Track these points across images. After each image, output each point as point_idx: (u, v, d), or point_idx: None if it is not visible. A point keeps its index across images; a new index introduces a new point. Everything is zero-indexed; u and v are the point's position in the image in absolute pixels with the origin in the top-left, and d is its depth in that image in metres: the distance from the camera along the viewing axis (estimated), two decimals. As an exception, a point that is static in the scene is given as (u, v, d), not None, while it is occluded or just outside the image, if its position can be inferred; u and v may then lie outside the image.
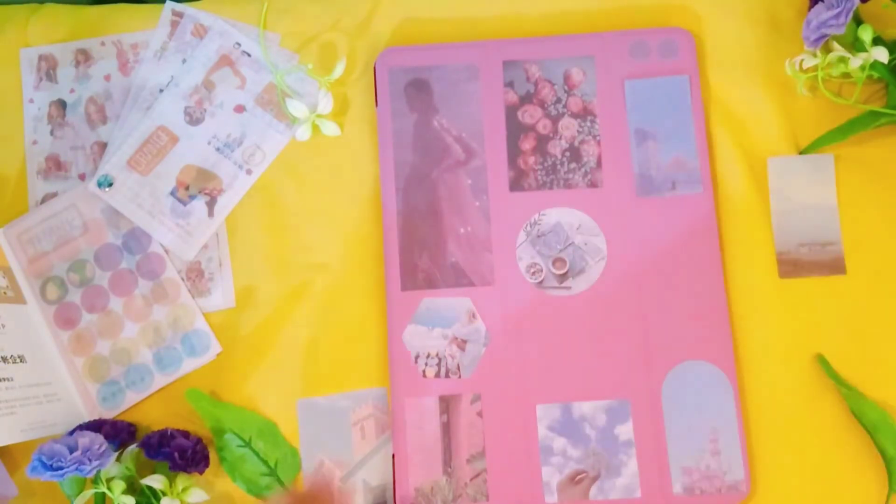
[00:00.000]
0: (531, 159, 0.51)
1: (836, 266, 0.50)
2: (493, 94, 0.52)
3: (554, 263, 0.50)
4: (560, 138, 0.52)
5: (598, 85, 0.52)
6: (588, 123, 0.52)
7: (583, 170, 0.51)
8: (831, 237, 0.50)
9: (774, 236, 0.51)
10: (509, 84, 0.52)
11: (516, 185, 0.51)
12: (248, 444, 0.51)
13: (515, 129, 0.52)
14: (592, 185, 0.51)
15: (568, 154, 0.51)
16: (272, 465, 0.50)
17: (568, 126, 0.51)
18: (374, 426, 0.50)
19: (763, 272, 0.51)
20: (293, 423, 0.51)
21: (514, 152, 0.51)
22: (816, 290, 0.51)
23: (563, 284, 0.50)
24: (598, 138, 0.51)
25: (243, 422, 0.51)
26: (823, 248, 0.50)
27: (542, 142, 0.52)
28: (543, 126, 0.52)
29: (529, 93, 0.52)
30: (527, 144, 0.51)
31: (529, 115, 0.52)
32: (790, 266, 0.50)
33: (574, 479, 0.47)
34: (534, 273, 0.50)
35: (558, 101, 0.52)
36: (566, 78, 0.52)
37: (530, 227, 0.50)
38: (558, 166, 0.51)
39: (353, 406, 0.50)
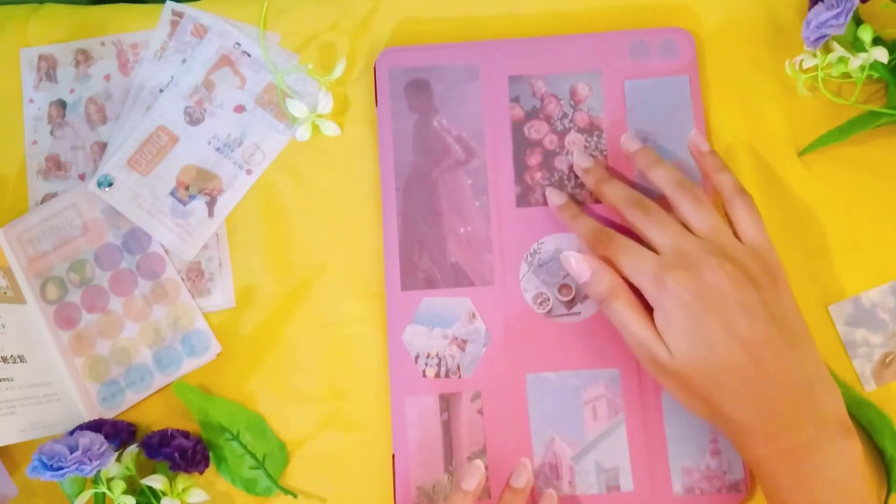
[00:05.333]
0: (538, 175, 0.51)
1: None
2: (497, 105, 0.52)
3: (560, 290, 0.50)
4: (567, 153, 0.51)
5: (600, 89, 0.52)
6: (595, 138, 0.52)
7: None
8: None
9: None
10: (515, 99, 0.52)
11: (523, 200, 0.51)
12: (235, 438, 0.51)
13: (522, 145, 0.52)
14: (598, 200, 0.51)
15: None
16: (260, 458, 0.50)
17: (575, 141, 0.51)
18: (605, 406, 0.49)
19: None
20: (289, 420, 0.51)
21: (520, 168, 0.51)
22: (815, 291, 0.51)
23: (572, 311, 0.50)
24: (604, 153, 0.51)
25: (231, 415, 0.51)
26: None
27: (548, 157, 0.52)
28: (550, 141, 0.52)
29: (535, 108, 0.52)
30: (533, 160, 0.51)
31: (536, 130, 0.52)
32: None
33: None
34: (541, 303, 0.50)
35: (564, 116, 0.52)
36: (572, 93, 0.52)
37: (531, 256, 0.50)
38: (565, 181, 0.51)
39: (584, 385, 0.49)
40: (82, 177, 0.54)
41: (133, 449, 0.49)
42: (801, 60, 0.50)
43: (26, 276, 0.53)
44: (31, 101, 0.56)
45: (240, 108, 0.55)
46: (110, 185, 0.53)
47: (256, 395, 0.52)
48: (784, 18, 0.54)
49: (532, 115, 0.52)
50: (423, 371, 0.50)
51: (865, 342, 0.50)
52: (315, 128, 0.54)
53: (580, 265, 0.46)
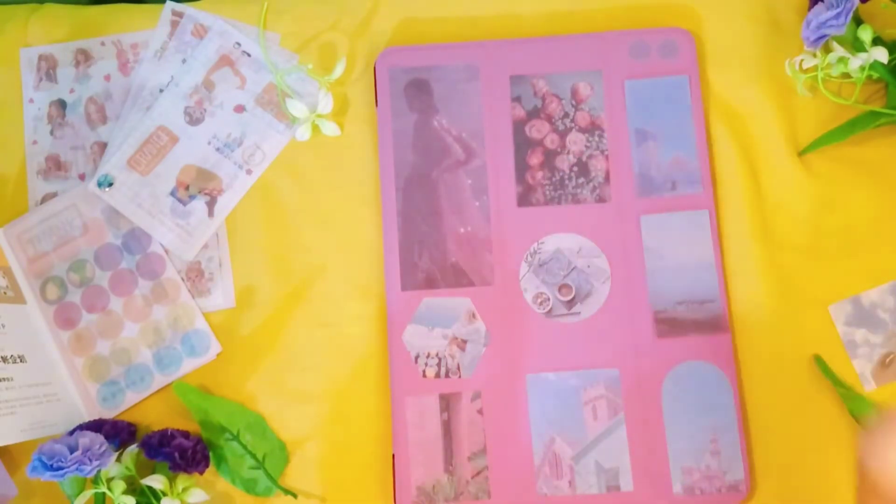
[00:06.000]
0: (539, 174, 0.51)
1: (715, 324, 0.49)
2: (498, 105, 0.52)
3: (560, 290, 0.50)
4: (568, 153, 0.51)
5: (601, 88, 0.52)
6: (596, 138, 0.52)
7: (591, 184, 0.51)
8: (710, 295, 0.50)
9: (649, 295, 0.50)
10: (516, 99, 0.52)
11: (524, 200, 0.51)
12: (235, 438, 0.51)
13: (523, 144, 0.52)
14: (601, 199, 0.51)
15: (576, 169, 0.51)
16: (260, 458, 0.50)
17: (576, 141, 0.51)
18: (605, 407, 0.49)
19: (762, 272, 0.51)
20: (289, 420, 0.51)
21: (521, 167, 0.51)
22: (815, 291, 0.51)
23: (572, 311, 0.50)
24: (605, 153, 0.51)
25: (231, 415, 0.51)
26: (702, 306, 0.50)
27: (549, 157, 0.52)
28: (551, 141, 0.52)
29: (537, 108, 0.52)
30: (534, 159, 0.51)
31: (537, 129, 0.52)
32: (667, 325, 0.49)
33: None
34: (541, 303, 0.50)
35: (566, 115, 0.52)
36: (573, 92, 0.52)
37: (531, 256, 0.50)
38: (566, 181, 0.51)
39: (584, 385, 0.49)
40: (82, 177, 0.54)
41: (133, 449, 0.49)
42: (801, 60, 0.50)
43: (26, 276, 0.53)
44: (31, 101, 0.56)
45: (240, 108, 0.55)
46: (110, 185, 0.53)
47: (256, 395, 0.52)
48: (784, 18, 0.54)
49: (533, 114, 0.52)
50: (423, 371, 0.50)
51: (865, 342, 0.50)
52: (315, 128, 0.54)
53: None
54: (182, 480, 0.49)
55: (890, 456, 0.33)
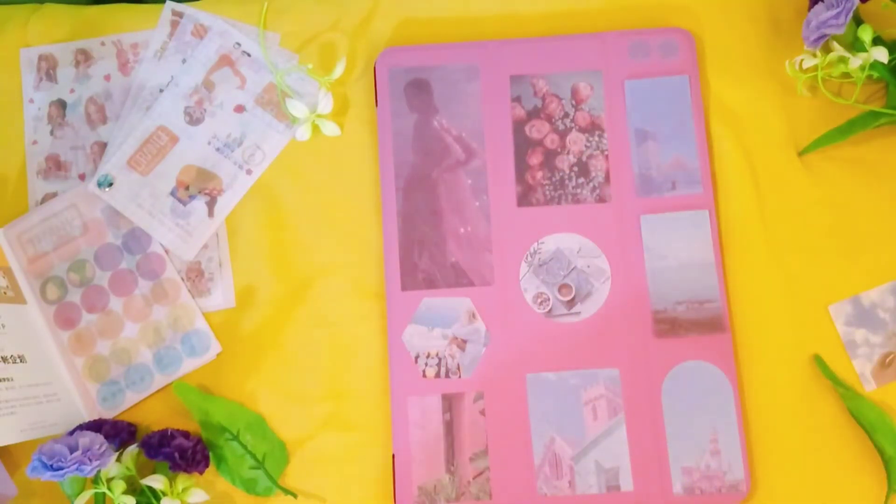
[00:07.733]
0: (539, 174, 0.51)
1: (715, 324, 0.49)
2: (498, 105, 0.52)
3: (560, 290, 0.50)
4: (568, 153, 0.51)
5: (601, 88, 0.52)
6: (596, 138, 0.52)
7: (591, 184, 0.51)
8: (710, 295, 0.50)
9: (649, 295, 0.50)
10: (516, 99, 0.52)
11: (524, 200, 0.51)
12: (235, 438, 0.51)
13: (523, 144, 0.52)
14: (601, 199, 0.51)
15: (576, 169, 0.51)
16: (260, 458, 0.50)
17: (576, 141, 0.51)
18: (605, 406, 0.49)
19: (762, 272, 0.51)
20: (289, 420, 0.51)
21: (521, 167, 0.51)
22: (815, 291, 0.51)
23: (572, 311, 0.50)
24: (605, 153, 0.51)
25: (231, 415, 0.51)
26: (702, 306, 0.50)
27: (549, 157, 0.52)
28: (551, 141, 0.52)
29: (537, 107, 0.52)
30: (534, 159, 0.51)
31: (537, 129, 0.52)
32: (667, 325, 0.49)
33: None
34: (541, 303, 0.50)
35: (566, 115, 0.52)
36: (574, 92, 0.52)
37: (531, 256, 0.50)
38: (566, 181, 0.51)
39: (584, 385, 0.49)
40: (82, 177, 0.54)
41: (133, 449, 0.49)
42: (801, 60, 0.50)
43: (26, 276, 0.53)
44: (31, 101, 0.56)
45: (240, 108, 0.55)
46: (110, 185, 0.53)
47: (256, 395, 0.52)
48: (784, 18, 0.54)
49: (533, 114, 0.52)
50: (424, 371, 0.50)
51: (865, 342, 0.50)
52: (315, 128, 0.54)
53: None
54: (182, 480, 0.49)
55: None
